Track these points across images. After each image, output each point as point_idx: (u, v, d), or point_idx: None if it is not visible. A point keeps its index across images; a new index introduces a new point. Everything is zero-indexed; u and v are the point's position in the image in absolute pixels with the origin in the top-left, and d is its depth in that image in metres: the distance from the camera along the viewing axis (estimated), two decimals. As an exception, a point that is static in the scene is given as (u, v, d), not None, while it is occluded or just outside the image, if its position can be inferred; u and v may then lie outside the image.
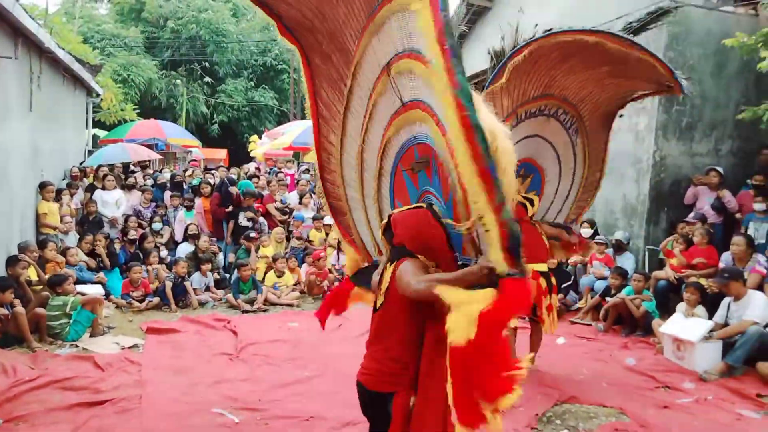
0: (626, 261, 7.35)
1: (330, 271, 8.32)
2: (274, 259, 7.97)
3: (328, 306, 3.53)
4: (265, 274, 7.93)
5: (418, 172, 2.64)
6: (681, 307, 5.88)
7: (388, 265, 2.45)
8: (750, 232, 6.57)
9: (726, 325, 5.39)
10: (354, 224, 3.44)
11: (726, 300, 5.50)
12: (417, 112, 2.41)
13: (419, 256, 2.38)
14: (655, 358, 5.59)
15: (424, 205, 2.51)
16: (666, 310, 6.36)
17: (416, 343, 2.37)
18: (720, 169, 7.35)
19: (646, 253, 7.70)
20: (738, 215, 7.15)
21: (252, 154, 20.69)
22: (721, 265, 6.28)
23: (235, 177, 10.19)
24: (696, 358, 5.18)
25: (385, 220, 2.56)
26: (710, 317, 5.56)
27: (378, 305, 2.52)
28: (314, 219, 9.19)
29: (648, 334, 6.16)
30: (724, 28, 7.41)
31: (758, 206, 6.63)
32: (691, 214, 7.37)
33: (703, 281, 6.20)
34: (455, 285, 2.07)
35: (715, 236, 6.95)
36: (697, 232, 6.77)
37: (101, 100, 14.60)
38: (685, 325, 5.49)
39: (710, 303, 5.80)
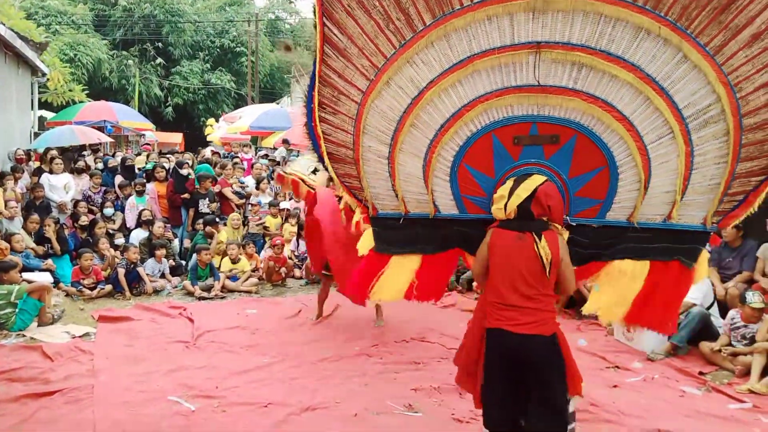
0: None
1: (289, 258, 8.26)
2: (227, 245, 7.84)
3: (363, 287, 3.29)
4: (221, 260, 7.80)
5: (525, 146, 2.92)
6: (630, 290, 6.09)
7: (531, 234, 2.80)
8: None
9: (672, 307, 5.63)
10: (364, 175, 3.10)
11: (672, 283, 5.74)
12: (575, 100, 2.74)
13: (555, 225, 2.87)
14: (606, 339, 5.79)
15: (545, 178, 2.87)
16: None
17: None
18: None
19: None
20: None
21: (209, 138, 20.28)
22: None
23: (188, 161, 9.93)
24: (644, 339, 5.40)
25: (523, 195, 2.79)
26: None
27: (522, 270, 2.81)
28: (270, 205, 9.08)
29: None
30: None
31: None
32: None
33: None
34: None
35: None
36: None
37: (47, 80, 13.98)
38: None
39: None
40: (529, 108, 2.86)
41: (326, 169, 3.16)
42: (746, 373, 4.71)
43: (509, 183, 2.88)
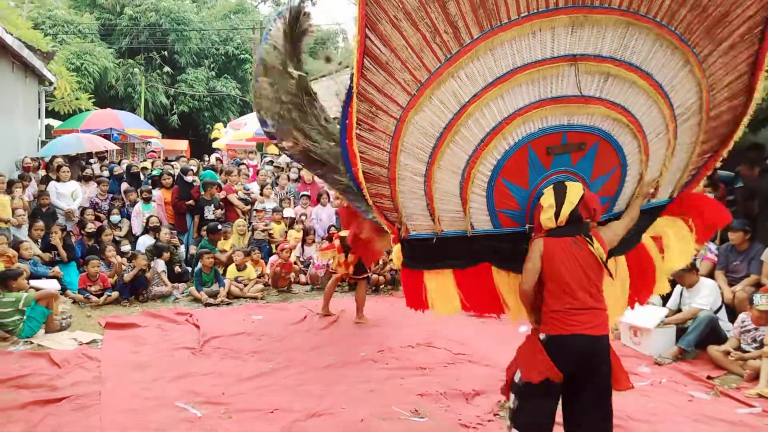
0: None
1: (294, 263, 8.28)
2: (233, 252, 7.86)
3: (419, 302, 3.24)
4: (227, 267, 7.82)
5: (555, 155, 3.00)
6: (637, 294, 6.06)
7: (583, 238, 2.91)
8: (701, 221, 6.81)
9: (679, 311, 5.60)
10: (398, 195, 2.98)
11: (678, 287, 5.71)
12: (600, 108, 2.89)
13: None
14: (613, 344, 5.74)
15: (580, 184, 2.99)
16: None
17: None
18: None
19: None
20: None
21: (214, 145, 20.35)
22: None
23: (194, 168, 9.98)
24: (651, 344, 5.37)
25: (575, 201, 2.88)
26: (664, 303, 5.76)
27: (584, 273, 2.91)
28: (274, 211, 9.11)
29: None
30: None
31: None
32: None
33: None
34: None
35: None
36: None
37: (54, 88, 14.08)
38: (641, 312, 5.66)
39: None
40: (561, 118, 2.93)
41: (359, 190, 2.96)
42: (755, 377, 4.67)
43: (550, 192, 2.93)
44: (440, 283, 3.18)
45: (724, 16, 2.84)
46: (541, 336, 2.93)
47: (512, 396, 3.01)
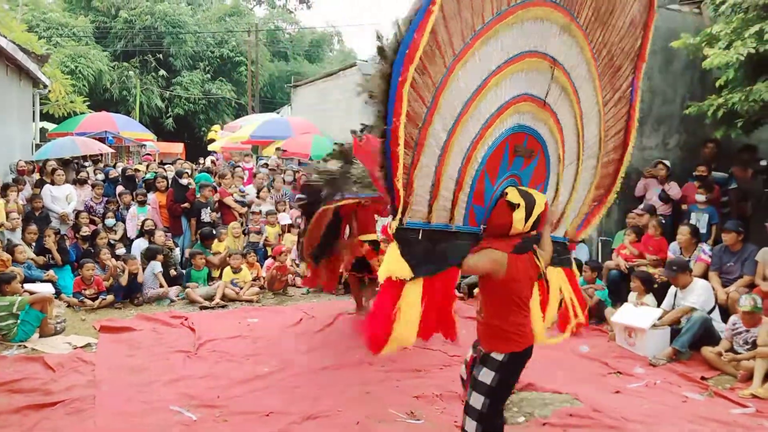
0: (580, 251, 7.55)
1: (290, 266, 8.27)
2: (228, 255, 7.86)
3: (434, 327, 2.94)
4: (222, 269, 7.81)
5: (516, 156, 3.02)
6: (632, 296, 6.09)
7: (532, 252, 2.89)
8: (692, 221, 6.85)
9: (674, 312, 5.63)
10: (417, 167, 2.64)
11: (673, 288, 5.74)
12: (550, 120, 2.99)
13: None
14: (607, 345, 5.78)
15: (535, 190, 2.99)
16: (619, 298, 6.57)
17: None
18: (667, 162, 7.63)
19: (600, 244, 7.94)
20: (684, 206, 7.44)
21: (210, 148, 20.32)
22: (669, 254, 6.53)
23: (188, 171, 9.96)
24: (646, 345, 5.39)
25: (543, 207, 2.86)
26: (658, 304, 5.79)
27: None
28: (268, 214, 9.11)
29: (601, 323, 6.36)
30: (671, 25, 7.68)
31: (699, 197, 6.90)
32: (641, 206, 7.64)
33: (651, 269, 6.44)
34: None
35: (666, 227, 7.22)
36: (650, 225, 6.99)
37: (49, 91, 14.04)
38: (636, 313, 5.69)
39: (659, 290, 6.03)
40: (528, 119, 2.95)
41: (393, 137, 2.45)
42: (749, 377, 4.69)
43: (515, 193, 2.83)
44: (412, 298, 2.66)
45: (618, 68, 3.27)
46: (501, 357, 2.86)
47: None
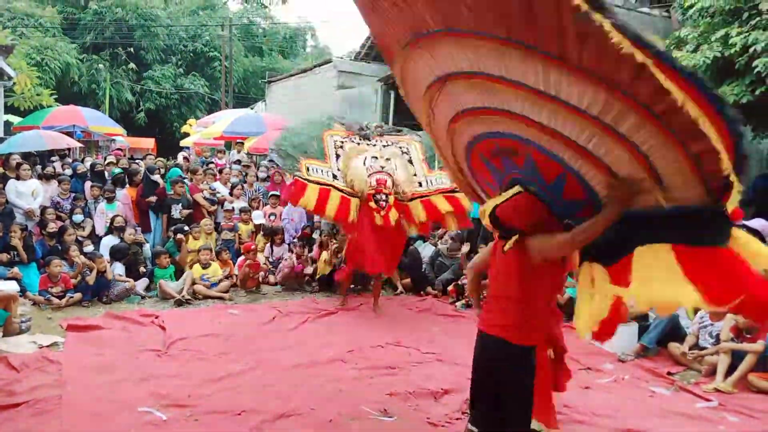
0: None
1: (263, 264, 8.20)
2: (199, 251, 7.76)
3: None
4: (192, 265, 7.71)
5: (502, 158, 2.87)
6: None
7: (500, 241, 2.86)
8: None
9: (642, 308, 5.76)
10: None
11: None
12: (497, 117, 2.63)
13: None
14: (578, 342, 5.87)
15: (521, 189, 2.77)
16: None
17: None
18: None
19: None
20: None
21: (182, 143, 20.02)
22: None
23: (160, 168, 9.78)
24: (615, 341, 5.48)
25: (488, 213, 2.85)
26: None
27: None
28: (242, 211, 9.02)
29: (572, 320, 6.44)
30: (642, 28, 7.82)
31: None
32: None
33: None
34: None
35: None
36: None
37: (14, 84, 13.63)
38: (605, 309, 5.80)
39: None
40: (484, 128, 2.89)
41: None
42: (712, 372, 4.83)
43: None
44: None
45: None
46: (521, 347, 2.86)
47: None
